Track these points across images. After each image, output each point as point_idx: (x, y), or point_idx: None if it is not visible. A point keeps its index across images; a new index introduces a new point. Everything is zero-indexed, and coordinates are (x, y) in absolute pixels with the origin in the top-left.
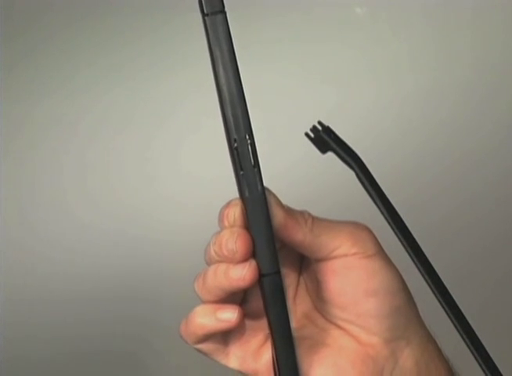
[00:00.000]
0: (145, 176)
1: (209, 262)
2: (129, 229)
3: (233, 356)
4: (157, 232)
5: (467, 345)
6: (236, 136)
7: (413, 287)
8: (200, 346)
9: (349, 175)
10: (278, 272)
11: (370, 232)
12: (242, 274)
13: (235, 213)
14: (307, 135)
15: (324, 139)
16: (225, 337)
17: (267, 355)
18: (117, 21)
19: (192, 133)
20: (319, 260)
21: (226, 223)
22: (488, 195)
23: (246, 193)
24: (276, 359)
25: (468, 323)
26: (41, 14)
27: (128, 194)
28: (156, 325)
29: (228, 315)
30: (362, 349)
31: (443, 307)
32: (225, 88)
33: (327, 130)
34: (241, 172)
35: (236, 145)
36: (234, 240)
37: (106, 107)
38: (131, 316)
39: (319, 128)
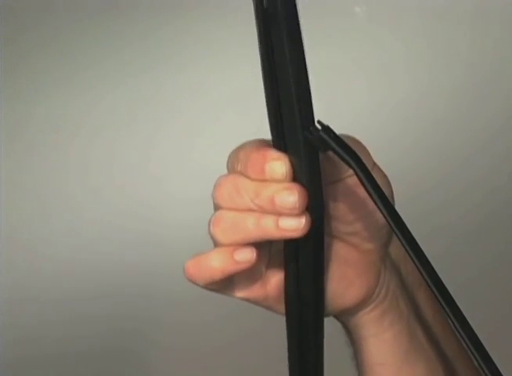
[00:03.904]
0: (149, 173)
1: (231, 207)
2: (132, 227)
3: (240, 287)
4: (160, 228)
5: (463, 339)
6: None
7: None
8: (210, 286)
9: None
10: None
11: (361, 143)
12: (300, 226)
13: (285, 168)
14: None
15: (324, 138)
16: None
17: (273, 279)
18: (119, 21)
19: (196, 129)
20: (333, 182)
21: (270, 177)
22: (479, 190)
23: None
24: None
25: (465, 318)
26: (42, 14)
27: (131, 191)
28: (158, 322)
29: (247, 255)
30: (364, 257)
31: (439, 301)
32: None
33: (327, 129)
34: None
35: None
36: (295, 197)
37: (110, 105)
38: (134, 313)
39: (319, 127)
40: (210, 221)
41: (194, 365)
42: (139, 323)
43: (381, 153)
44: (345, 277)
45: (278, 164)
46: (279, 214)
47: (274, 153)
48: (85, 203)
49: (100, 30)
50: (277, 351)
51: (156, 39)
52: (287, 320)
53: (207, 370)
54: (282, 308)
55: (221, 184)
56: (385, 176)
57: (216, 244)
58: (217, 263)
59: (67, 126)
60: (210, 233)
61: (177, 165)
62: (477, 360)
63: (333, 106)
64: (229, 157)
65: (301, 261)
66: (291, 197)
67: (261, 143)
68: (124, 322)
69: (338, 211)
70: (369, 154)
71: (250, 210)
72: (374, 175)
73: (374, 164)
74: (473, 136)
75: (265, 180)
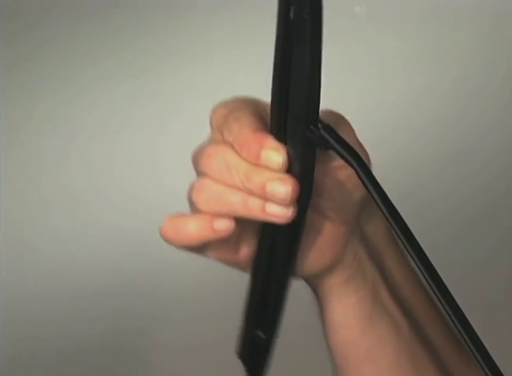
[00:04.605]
0: (150, 172)
1: (219, 180)
2: (133, 225)
3: (213, 248)
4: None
5: (460, 334)
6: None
7: None
8: (184, 248)
9: None
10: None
11: (344, 118)
12: (286, 214)
13: (282, 159)
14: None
15: (324, 136)
16: None
17: (247, 243)
18: (119, 20)
19: (197, 128)
20: (318, 163)
21: (264, 165)
22: (469, 186)
23: (320, 126)
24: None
25: (464, 315)
26: (43, 14)
27: (132, 190)
28: (159, 320)
29: (226, 225)
30: (336, 228)
31: (438, 299)
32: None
33: (327, 128)
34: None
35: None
36: (288, 190)
37: (111, 104)
38: (135, 311)
39: (319, 125)
40: (193, 186)
41: (195, 362)
42: (140, 321)
43: (378, 150)
44: (316, 247)
45: (275, 155)
46: (266, 199)
47: (272, 142)
48: (86, 201)
49: (100, 29)
50: (279, 346)
51: (157, 38)
52: (252, 280)
53: (208, 367)
54: (250, 269)
55: (211, 155)
56: (367, 154)
57: (194, 209)
58: (195, 230)
59: (68, 125)
60: (191, 198)
61: (178, 164)
62: (459, 331)
63: (330, 104)
64: (216, 115)
65: (280, 234)
66: (284, 188)
67: (258, 122)
68: (125, 320)
69: (320, 188)
70: (352, 130)
71: (238, 188)
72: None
73: (357, 141)
74: (465, 134)
75: (258, 164)
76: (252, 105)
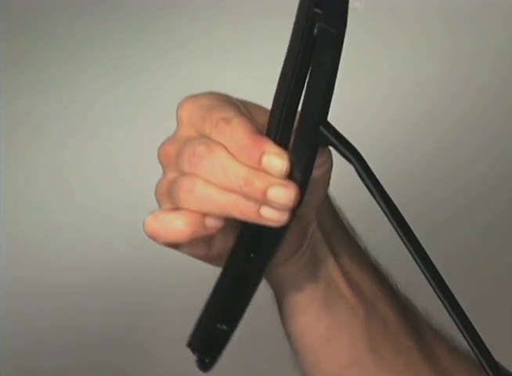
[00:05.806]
0: (150, 168)
1: (211, 181)
2: (133, 220)
3: (187, 244)
4: None
5: (462, 333)
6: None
7: (413, 285)
8: (166, 244)
9: (349, 169)
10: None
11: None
12: (282, 219)
13: (285, 165)
14: None
15: (324, 133)
16: None
17: (220, 240)
18: (119, 17)
19: None
20: None
21: (265, 170)
22: (456, 182)
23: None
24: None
25: (466, 316)
26: (42, 11)
27: (132, 185)
28: (159, 315)
29: (217, 222)
30: (299, 222)
31: (442, 302)
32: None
33: (327, 125)
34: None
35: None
36: (292, 197)
37: (110, 101)
38: (135, 307)
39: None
40: (178, 185)
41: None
42: (141, 316)
43: (372, 148)
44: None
45: (277, 160)
46: (262, 203)
47: (273, 147)
48: (87, 197)
49: (100, 27)
50: (281, 337)
51: (157, 36)
52: (223, 273)
53: None
54: (220, 263)
55: (202, 156)
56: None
57: (168, 205)
58: (186, 227)
59: (67, 122)
60: (176, 195)
61: None
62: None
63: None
64: (187, 111)
65: (264, 232)
66: (287, 194)
67: (251, 124)
68: (126, 315)
69: None
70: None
71: (232, 190)
72: None
73: None
74: (452, 130)
75: (257, 168)
76: (231, 104)
